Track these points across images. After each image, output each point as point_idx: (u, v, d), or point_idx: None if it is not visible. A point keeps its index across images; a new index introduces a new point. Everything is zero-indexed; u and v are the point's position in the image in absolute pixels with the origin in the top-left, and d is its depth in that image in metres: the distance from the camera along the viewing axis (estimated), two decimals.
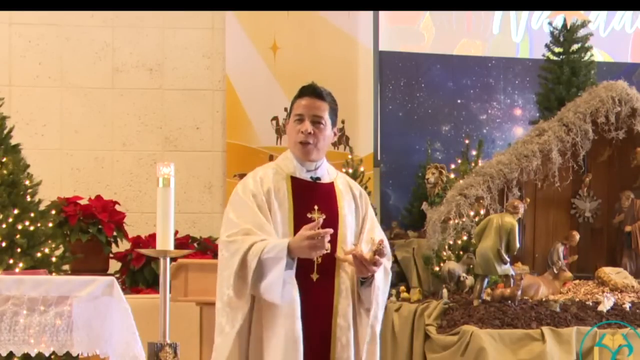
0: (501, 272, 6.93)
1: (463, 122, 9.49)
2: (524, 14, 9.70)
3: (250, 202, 4.25)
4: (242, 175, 8.72)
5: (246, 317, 4.19)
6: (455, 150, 9.02)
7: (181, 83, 9.06)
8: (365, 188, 6.41)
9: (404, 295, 7.50)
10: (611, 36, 9.83)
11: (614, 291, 7.29)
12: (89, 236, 8.08)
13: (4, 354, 4.94)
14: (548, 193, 7.79)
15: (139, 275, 8.16)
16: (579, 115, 7.62)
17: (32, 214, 7.10)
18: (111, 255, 8.31)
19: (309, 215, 4.27)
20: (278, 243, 4.13)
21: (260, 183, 4.30)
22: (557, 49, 8.46)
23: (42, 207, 7.31)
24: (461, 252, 7.45)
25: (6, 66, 8.81)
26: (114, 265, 8.39)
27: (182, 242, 8.16)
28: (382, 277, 4.32)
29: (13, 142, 7.30)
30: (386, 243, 4.28)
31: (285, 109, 9.05)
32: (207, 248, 8.34)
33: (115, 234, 8.18)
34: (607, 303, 6.93)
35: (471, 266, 7.19)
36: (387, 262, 4.36)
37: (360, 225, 4.40)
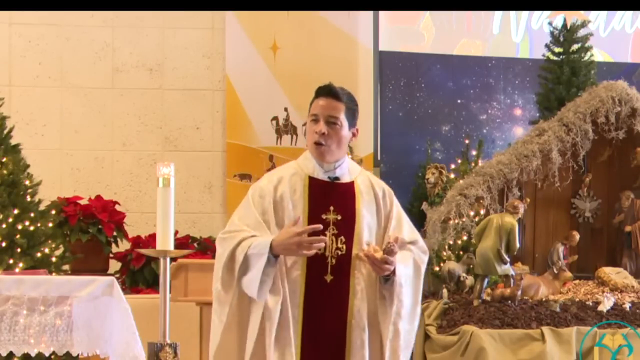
0: (501, 272, 6.93)
1: (463, 122, 9.48)
2: (524, 14, 9.69)
3: (255, 204, 4.27)
4: (242, 176, 8.80)
5: (235, 312, 4.21)
6: (455, 150, 9.01)
7: (181, 83, 9.05)
8: None
9: None
10: (611, 36, 9.82)
11: (614, 291, 7.29)
12: (89, 236, 8.08)
13: (4, 354, 4.94)
14: (548, 193, 7.78)
15: (139, 275, 8.16)
16: (579, 115, 7.61)
17: (32, 214, 7.10)
18: (111, 255, 8.31)
19: (323, 217, 4.25)
20: (263, 240, 4.15)
21: (274, 185, 4.30)
22: (557, 49, 8.45)
23: (42, 207, 7.30)
24: (461, 252, 7.45)
25: (6, 66, 8.80)
26: (114, 265, 8.38)
27: (182, 242, 8.16)
28: (410, 274, 4.30)
29: (13, 142, 7.29)
30: (418, 238, 4.28)
31: (285, 109, 9.13)
32: (207, 248, 8.34)
33: (115, 234, 8.18)
34: (607, 303, 6.93)
35: (471, 266, 7.19)
36: (423, 256, 4.34)
37: (383, 225, 4.35)
